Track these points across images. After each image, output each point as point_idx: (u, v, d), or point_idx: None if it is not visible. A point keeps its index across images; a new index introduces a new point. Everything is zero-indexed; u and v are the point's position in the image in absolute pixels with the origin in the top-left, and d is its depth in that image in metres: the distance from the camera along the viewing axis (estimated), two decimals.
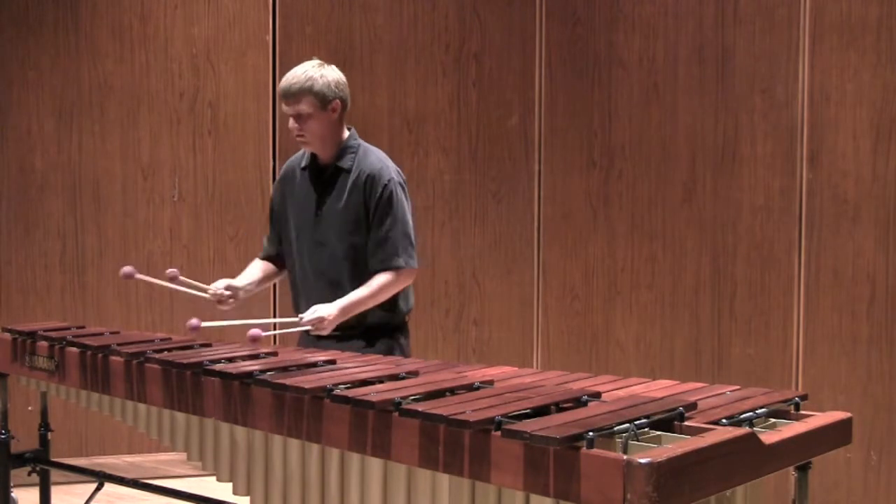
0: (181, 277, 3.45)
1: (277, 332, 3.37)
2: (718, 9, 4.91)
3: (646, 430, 2.20)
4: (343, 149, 3.48)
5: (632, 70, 5.15)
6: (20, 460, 3.76)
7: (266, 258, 3.66)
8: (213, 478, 2.86)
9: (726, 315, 4.91)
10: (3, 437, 3.68)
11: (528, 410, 2.28)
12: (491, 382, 2.63)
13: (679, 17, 5.02)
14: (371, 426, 2.40)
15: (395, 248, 3.40)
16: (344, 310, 3.36)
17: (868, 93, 4.50)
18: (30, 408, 4.67)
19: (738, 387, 2.64)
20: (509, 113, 5.44)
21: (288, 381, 2.62)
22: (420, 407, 2.33)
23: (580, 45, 5.28)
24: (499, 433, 2.16)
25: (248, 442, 2.75)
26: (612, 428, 2.12)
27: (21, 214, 5.26)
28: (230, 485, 2.82)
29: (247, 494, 2.77)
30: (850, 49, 4.53)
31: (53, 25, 5.27)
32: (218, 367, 2.83)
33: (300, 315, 3.37)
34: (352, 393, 2.49)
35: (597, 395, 2.46)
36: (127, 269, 3.45)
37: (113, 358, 3.13)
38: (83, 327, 3.61)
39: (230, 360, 2.93)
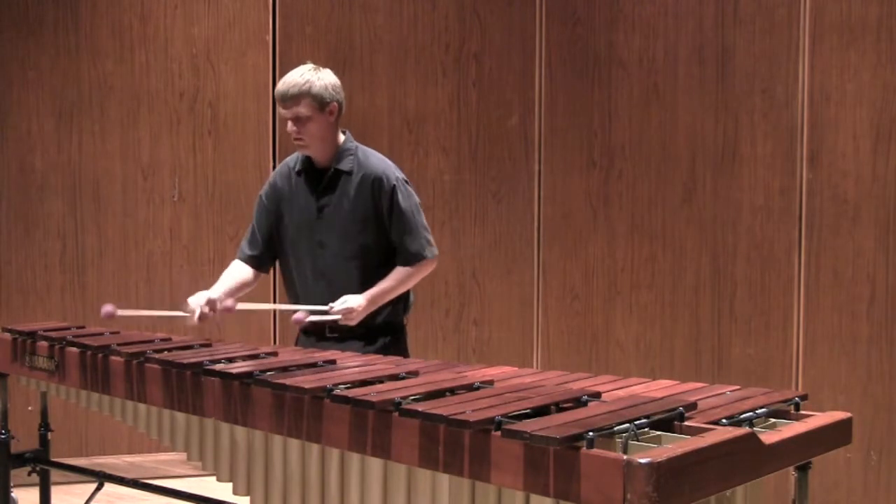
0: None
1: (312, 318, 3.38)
2: (718, 9, 4.91)
3: (646, 430, 2.20)
4: (341, 151, 3.51)
5: (632, 70, 5.15)
6: (20, 460, 3.76)
7: (244, 260, 3.64)
8: (213, 478, 2.86)
9: (726, 315, 4.91)
10: (3, 437, 3.68)
11: (528, 410, 2.28)
12: (491, 382, 2.63)
13: (679, 17, 5.02)
14: (371, 426, 2.40)
15: (420, 242, 3.50)
16: (372, 300, 3.43)
17: (868, 93, 4.50)
18: (30, 408, 4.67)
19: (738, 387, 2.64)
20: (509, 113, 5.44)
21: (288, 381, 2.62)
22: (420, 407, 2.33)
23: (580, 45, 5.28)
24: (499, 433, 2.16)
25: (248, 442, 2.75)
26: (612, 428, 2.12)
27: (21, 214, 5.26)
28: (230, 485, 2.82)
29: (247, 494, 2.77)
30: (850, 49, 4.53)
31: (53, 25, 5.27)
32: (218, 367, 2.83)
33: (330, 304, 3.39)
34: (352, 393, 2.49)
35: (597, 395, 2.46)
36: (107, 308, 3.35)
37: (113, 358, 3.13)
38: (83, 327, 3.60)
39: (230, 360, 2.93)
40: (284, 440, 2.63)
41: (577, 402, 2.39)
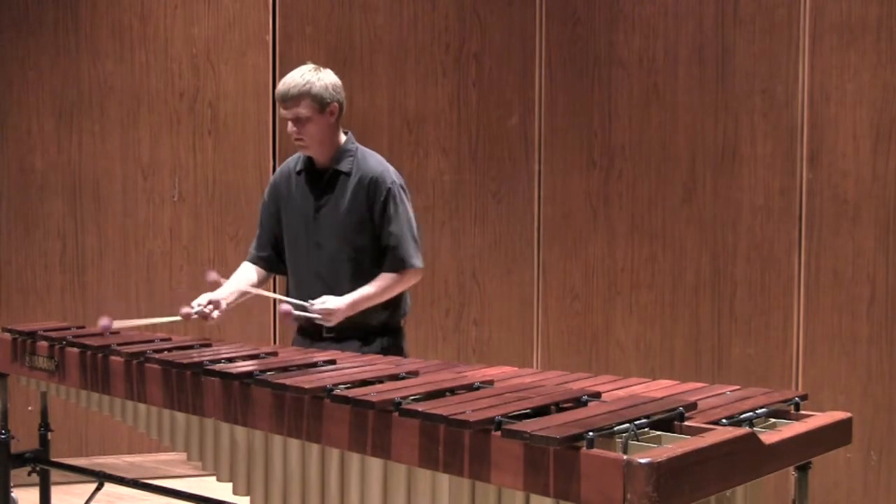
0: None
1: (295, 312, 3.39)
2: (718, 9, 4.91)
3: (646, 430, 2.20)
4: (341, 152, 3.50)
5: (632, 70, 5.15)
6: (20, 460, 3.76)
7: (253, 261, 3.65)
8: (213, 478, 2.86)
9: (726, 315, 4.91)
10: (3, 437, 3.68)
11: (528, 410, 2.28)
12: (491, 382, 2.63)
13: (679, 17, 5.02)
14: (371, 426, 2.40)
15: (407, 250, 3.45)
16: (353, 304, 3.40)
17: (868, 93, 4.50)
18: (30, 408, 4.67)
19: (738, 387, 2.64)
20: (509, 113, 5.44)
21: (288, 381, 2.62)
22: (420, 407, 2.33)
23: (580, 45, 5.28)
24: (499, 433, 2.16)
25: (248, 442, 2.75)
26: (612, 428, 2.12)
27: (21, 214, 5.26)
28: (230, 485, 2.82)
29: (247, 494, 2.77)
30: (850, 49, 4.54)
31: (53, 25, 5.27)
32: (218, 367, 2.83)
33: (311, 301, 3.38)
34: (352, 393, 2.49)
35: (597, 395, 2.46)
36: (104, 322, 3.35)
37: (113, 358, 3.13)
38: (83, 327, 3.60)
39: (230, 360, 2.93)
40: (284, 440, 2.63)
41: (577, 402, 2.39)
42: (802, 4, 4.66)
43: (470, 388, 2.58)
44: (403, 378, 2.71)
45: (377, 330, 3.49)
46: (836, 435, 2.46)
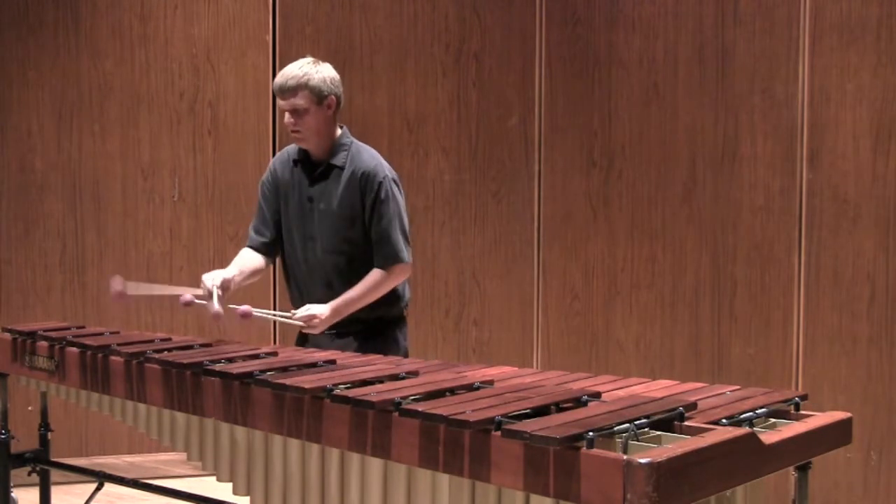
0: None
1: (275, 319, 3.38)
2: (718, 9, 4.91)
3: (646, 430, 2.20)
4: (336, 146, 3.51)
5: (632, 70, 5.15)
6: (20, 460, 3.76)
7: (255, 247, 3.62)
8: (213, 478, 2.86)
9: (726, 315, 4.91)
10: (3, 437, 3.68)
11: (528, 410, 2.28)
12: (491, 382, 2.63)
13: (679, 17, 5.02)
14: (371, 426, 2.40)
15: (395, 245, 3.45)
16: (336, 310, 3.41)
17: (868, 93, 4.50)
18: (30, 408, 4.67)
19: (738, 387, 2.64)
20: (509, 113, 5.44)
21: (288, 381, 2.62)
22: (420, 407, 2.33)
23: (580, 45, 5.28)
24: (499, 433, 2.16)
25: (248, 442, 2.75)
26: (612, 428, 2.12)
27: (21, 214, 5.26)
28: (230, 485, 2.82)
29: (247, 494, 2.77)
30: (850, 49, 4.54)
31: (53, 25, 5.27)
32: (218, 367, 2.83)
33: (293, 311, 3.39)
34: (352, 393, 2.49)
35: (597, 395, 2.46)
36: (116, 286, 3.34)
37: (113, 358, 3.13)
38: (83, 327, 3.61)
39: (230, 360, 2.93)
40: (284, 440, 2.63)
41: (577, 402, 2.39)
42: (802, 4, 4.66)
43: (470, 388, 2.58)
44: (403, 378, 2.71)
45: (378, 322, 3.49)
46: (836, 435, 2.46)
